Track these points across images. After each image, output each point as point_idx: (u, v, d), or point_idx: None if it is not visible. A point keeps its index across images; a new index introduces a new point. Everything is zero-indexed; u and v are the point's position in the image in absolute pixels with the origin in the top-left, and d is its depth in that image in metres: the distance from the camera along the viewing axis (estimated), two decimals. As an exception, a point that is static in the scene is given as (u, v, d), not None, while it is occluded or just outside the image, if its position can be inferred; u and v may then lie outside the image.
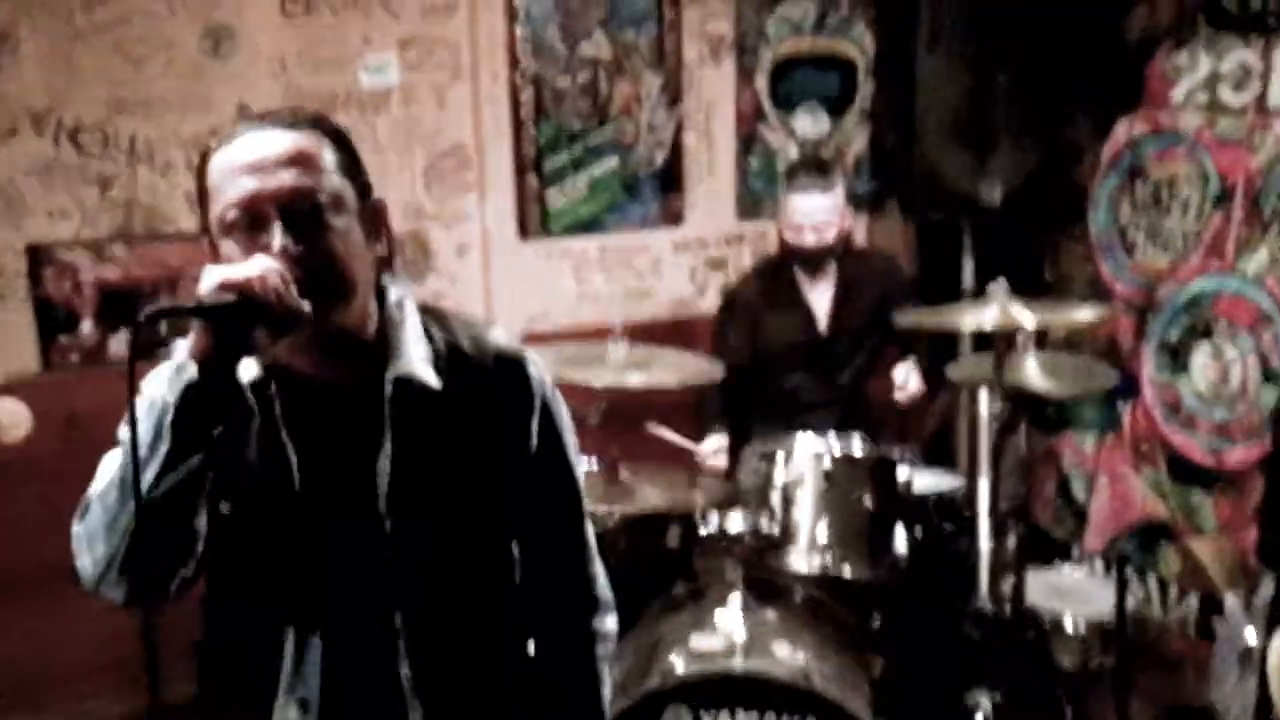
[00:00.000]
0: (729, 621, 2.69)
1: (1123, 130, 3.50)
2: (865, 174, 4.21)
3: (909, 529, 2.90)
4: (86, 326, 3.40)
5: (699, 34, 3.96)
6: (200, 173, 1.43)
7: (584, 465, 2.06)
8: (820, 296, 3.52)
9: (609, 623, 1.71)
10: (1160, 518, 3.51)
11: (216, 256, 1.40)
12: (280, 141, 1.39)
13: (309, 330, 1.36)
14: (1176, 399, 3.40)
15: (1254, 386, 3.18)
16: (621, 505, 2.98)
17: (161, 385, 1.32)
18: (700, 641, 2.64)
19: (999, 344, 2.94)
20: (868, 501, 2.85)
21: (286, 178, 1.37)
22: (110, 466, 1.38)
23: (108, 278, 3.40)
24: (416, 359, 1.49)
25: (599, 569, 1.71)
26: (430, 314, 1.57)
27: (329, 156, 1.42)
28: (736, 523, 2.85)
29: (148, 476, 1.29)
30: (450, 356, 1.53)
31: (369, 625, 1.51)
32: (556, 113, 3.82)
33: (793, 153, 4.10)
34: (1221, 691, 3.02)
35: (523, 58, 3.74)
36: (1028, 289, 3.06)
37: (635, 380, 2.98)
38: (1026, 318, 2.87)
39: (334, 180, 1.41)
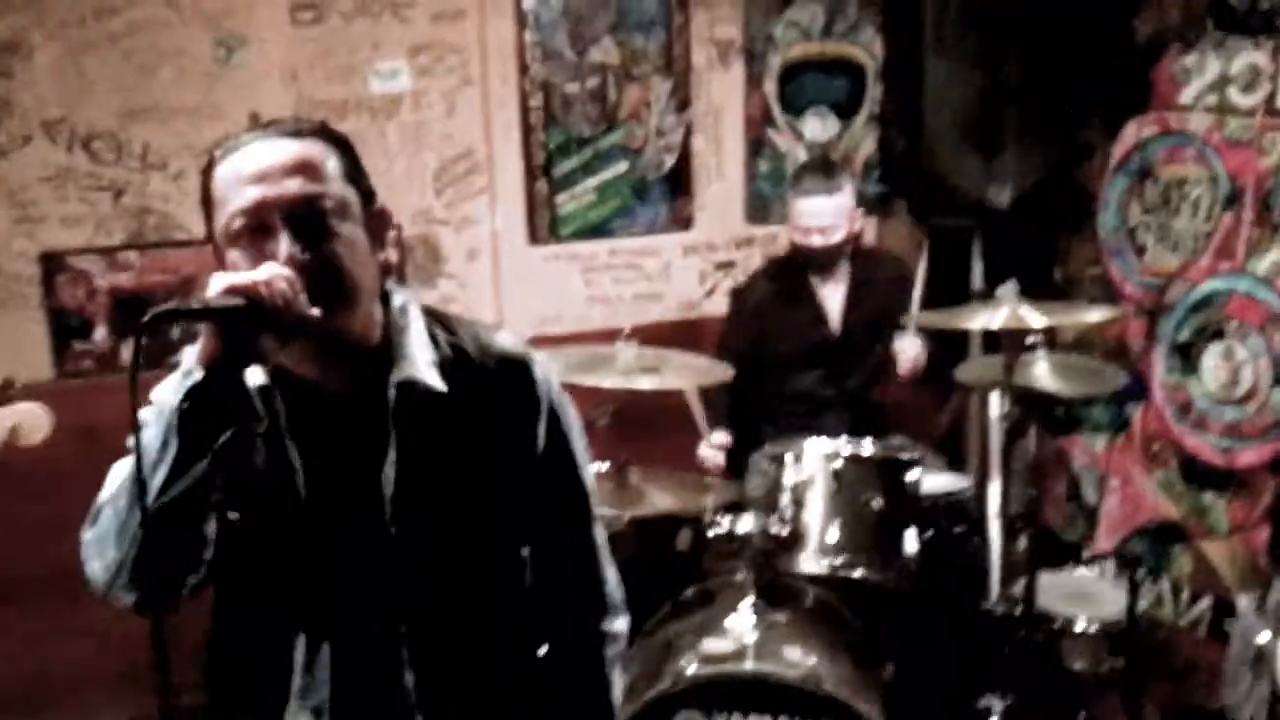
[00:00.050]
0: (740, 624, 2.69)
1: (1132, 132, 3.50)
2: (874, 178, 4.22)
3: (919, 531, 2.89)
4: (100, 333, 3.42)
5: (707, 39, 3.97)
6: (205, 183, 1.44)
7: (594, 468, 2.06)
8: (832, 296, 3.52)
9: (620, 625, 1.71)
10: (1171, 519, 3.50)
11: (223, 266, 1.40)
12: (285, 150, 1.40)
13: (316, 336, 1.37)
14: (1187, 400, 3.39)
15: (1265, 387, 3.17)
16: (631, 508, 3.00)
17: (170, 392, 1.33)
18: (711, 644, 2.65)
19: (1009, 346, 2.94)
20: (878, 503, 2.85)
21: (292, 186, 1.38)
22: (120, 473, 1.40)
23: (121, 285, 3.42)
24: (421, 363, 1.50)
25: (610, 571, 1.71)
26: (435, 318, 1.58)
27: (333, 164, 1.43)
28: (746, 525, 2.85)
29: (156, 482, 1.30)
30: (455, 360, 1.54)
31: (376, 632, 1.51)
32: (566, 118, 3.83)
33: (801, 156, 4.10)
34: (1234, 694, 3.00)
35: (532, 63, 3.75)
36: (1037, 291, 3.06)
37: (644, 383, 2.99)
38: (1036, 319, 2.87)
39: (338, 187, 1.42)
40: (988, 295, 3.43)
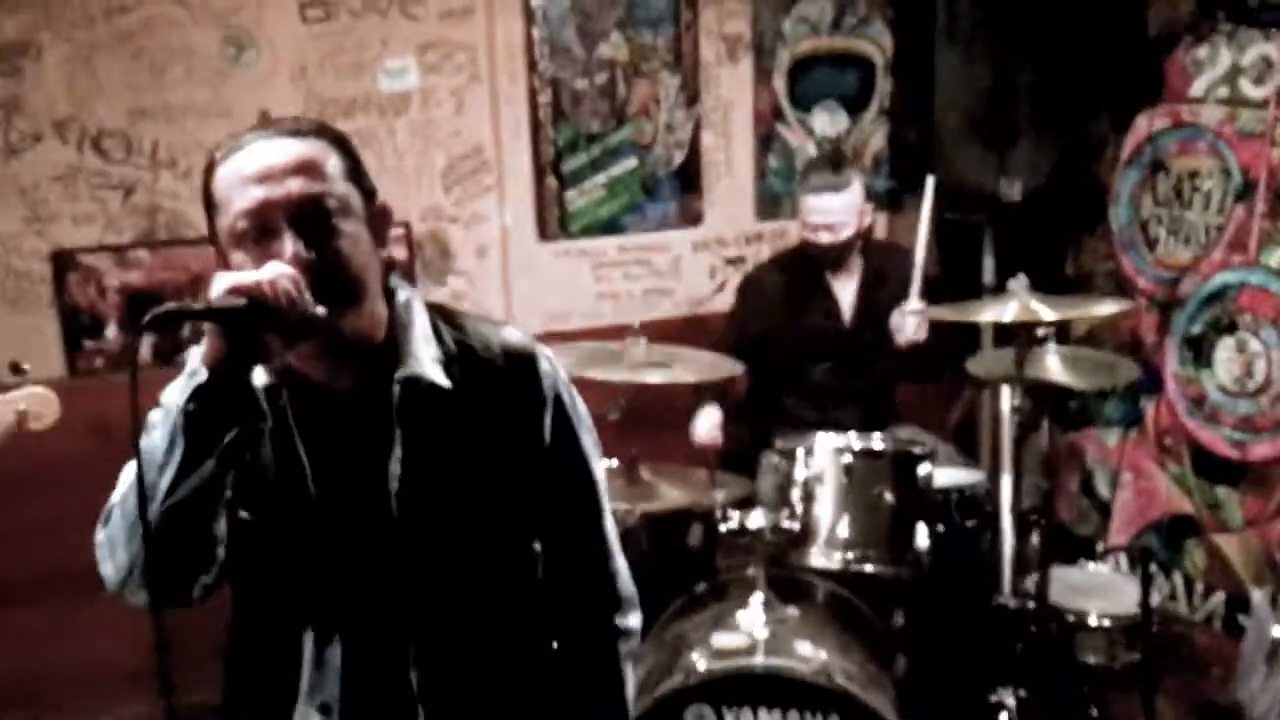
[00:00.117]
0: (751, 619, 2.69)
1: (1143, 124, 3.49)
2: (884, 172, 4.21)
3: (931, 525, 2.89)
4: (111, 332, 3.44)
5: (716, 34, 3.96)
6: (206, 184, 1.43)
7: (605, 464, 2.06)
8: (844, 290, 3.51)
9: (632, 619, 1.70)
10: (1185, 513, 3.49)
11: (226, 266, 1.40)
12: (286, 150, 1.40)
13: (321, 335, 1.37)
14: (1200, 393, 3.38)
15: (1278, 380, 3.16)
16: (642, 504, 3.00)
17: (177, 394, 1.33)
18: (722, 639, 2.65)
19: (1020, 340, 2.93)
20: (889, 498, 2.84)
21: (294, 185, 1.38)
22: (131, 474, 1.39)
23: (132, 283, 3.43)
24: (425, 359, 1.49)
25: (622, 565, 1.70)
26: (440, 314, 1.58)
27: (334, 163, 1.43)
28: (757, 520, 2.84)
29: (164, 483, 1.31)
30: (460, 356, 1.53)
31: (382, 628, 1.51)
32: (574, 114, 3.83)
33: (811, 151, 4.10)
34: (1248, 688, 3.00)
35: (540, 60, 3.75)
36: (1049, 284, 3.05)
37: (654, 377, 2.99)
38: (1047, 313, 2.86)
39: (340, 186, 1.42)
40: (999, 289, 3.42)
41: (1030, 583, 3.04)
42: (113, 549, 1.40)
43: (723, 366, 3.23)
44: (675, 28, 3.89)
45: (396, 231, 3.57)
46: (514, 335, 1.60)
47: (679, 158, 3.99)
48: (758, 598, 2.74)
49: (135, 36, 3.34)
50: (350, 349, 1.45)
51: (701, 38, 3.94)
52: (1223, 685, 3.24)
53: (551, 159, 3.83)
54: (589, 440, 1.65)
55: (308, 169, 1.40)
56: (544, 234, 3.88)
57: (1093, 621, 2.95)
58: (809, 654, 2.59)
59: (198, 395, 1.29)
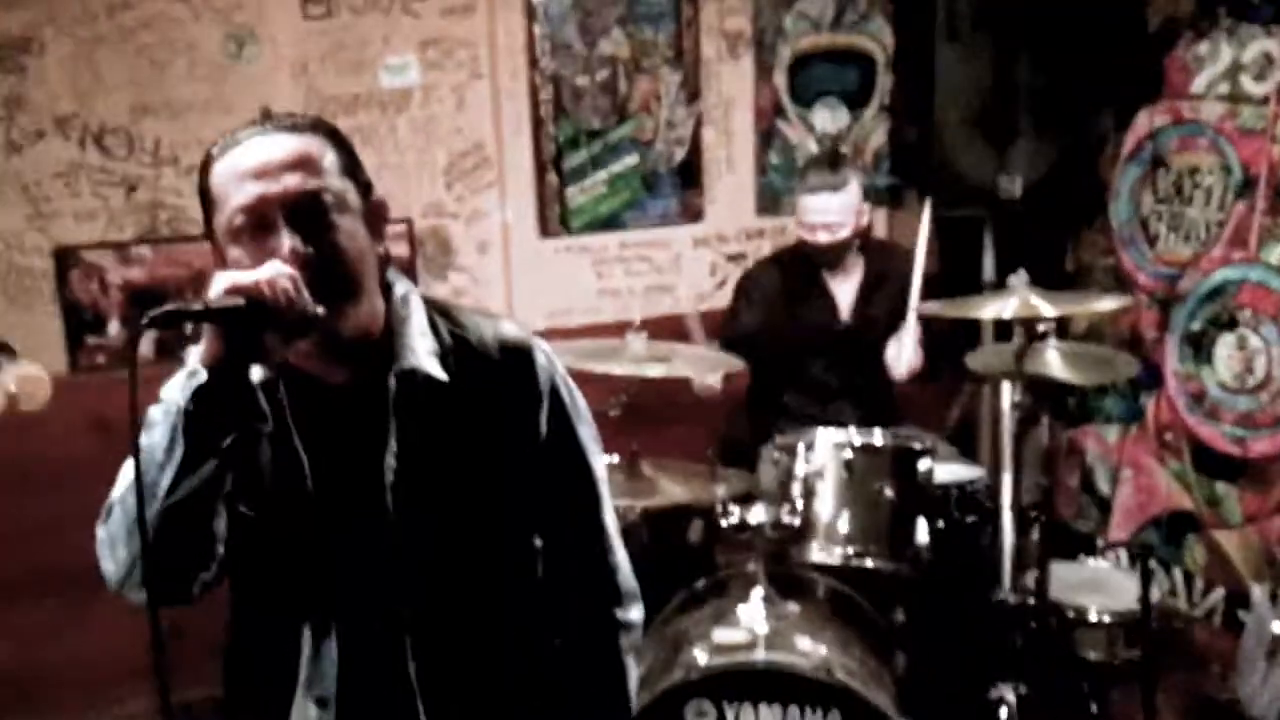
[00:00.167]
0: (751, 615, 2.69)
1: (1144, 121, 3.49)
2: (884, 169, 4.21)
3: (931, 521, 2.89)
4: (114, 328, 3.44)
5: (717, 30, 3.96)
6: (203, 180, 1.44)
7: (605, 457, 2.06)
8: (843, 287, 3.52)
9: (634, 613, 1.70)
10: (1185, 509, 3.49)
11: (223, 262, 1.40)
12: (282, 145, 1.40)
13: (320, 333, 1.37)
14: (1200, 389, 3.38)
15: (1278, 376, 3.16)
16: (643, 499, 3.00)
17: (176, 391, 1.33)
18: (722, 635, 2.65)
19: (1020, 335, 2.94)
20: (889, 493, 2.85)
21: (291, 181, 1.38)
22: (131, 471, 1.40)
23: (134, 279, 3.44)
24: (421, 353, 1.50)
25: (623, 559, 1.70)
26: (437, 308, 1.58)
27: (330, 158, 1.43)
28: (758, 515, 2.85)
29: (164, 481, 1.31)
30: (457, 349, 1.54)
31: (379, 622, 1.51)
32: (575, 110, 3.83)
33: (812, 148, 4.10)
34: (1248, 684, 3.00)
35: (541, 56, 3.75)
36: (1049, 280, 3.05)
37: (654, 371, 2.99)
38: (1047, 309, 2.86)
39: (337, 181, 1.43)
40: (999, 285, 3.43)
41: (1030, 578, 3.04)
42: (113, 546, 1.40)
43: (723, 362, 3.23)
44: (676, 24, 3.89)
45: (398, 228, 3.58)
46: (510, 328, 1.61)
47: (680, 154, 3.99)
48: (758, 593, 2.75)
49: (137, 33, 3.34)
50: (348, 345, 1.45)
51: (702, 34, 3.94)
52: (1222, 681, 3.24)
53: (552, 155, 3.83)
54: (587, 434, 1.65)
55: (304, 164, 1.40)
56: (545, 230, 3.88)
57: (1092, 617, 2.95)
58: (809, 649, 2.59)
59: (198, 396, 1.30)
